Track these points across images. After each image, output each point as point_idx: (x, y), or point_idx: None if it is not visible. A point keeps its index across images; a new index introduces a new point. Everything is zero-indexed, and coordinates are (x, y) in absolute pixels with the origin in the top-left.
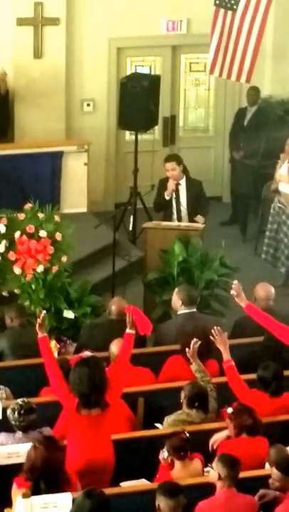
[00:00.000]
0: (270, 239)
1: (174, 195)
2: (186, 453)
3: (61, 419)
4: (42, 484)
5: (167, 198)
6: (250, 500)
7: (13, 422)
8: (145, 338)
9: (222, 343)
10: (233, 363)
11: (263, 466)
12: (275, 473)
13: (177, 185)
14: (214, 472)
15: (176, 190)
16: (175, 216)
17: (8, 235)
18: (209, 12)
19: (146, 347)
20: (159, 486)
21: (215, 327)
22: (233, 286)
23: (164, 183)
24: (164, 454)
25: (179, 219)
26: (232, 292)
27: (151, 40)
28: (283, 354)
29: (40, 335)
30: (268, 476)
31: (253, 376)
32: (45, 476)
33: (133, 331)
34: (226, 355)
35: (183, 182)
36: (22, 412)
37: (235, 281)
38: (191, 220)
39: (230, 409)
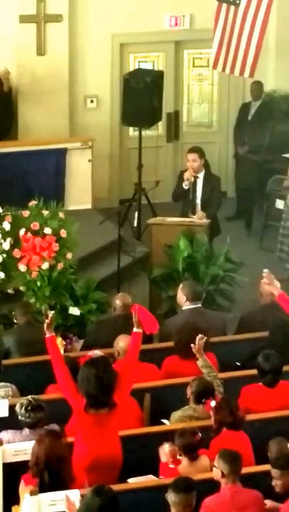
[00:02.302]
0: (284, 237)
1: (192, 188)
2: (197, 454)
3: (73, 419)
4: (46, 475)
5: (185, 187)
6: (255, 495)
7: (20, 418)
8: (151, 335)
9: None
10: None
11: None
12: (274, 471)
13: (195, 177)
14: (217, 470)
15: (194, 183)
16: (190, 208)
17: (13, 233)
18: (212, 7)
19: (152, 343)
20: (172, 482)
21: (264, 272)
22: (264, 274)
23: (183, 174)
24: (164, 449)
25: (193, 211)
26: (263, 280)
27: (154, 35)
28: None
29: (48, 334)
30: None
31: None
32: (49, 467)
33: (140, 330)
34: (276, 291)
35: (201, 176)
36: (29, 408)
37: (266, 270)
38: (208, 216)
39: (213, 403)
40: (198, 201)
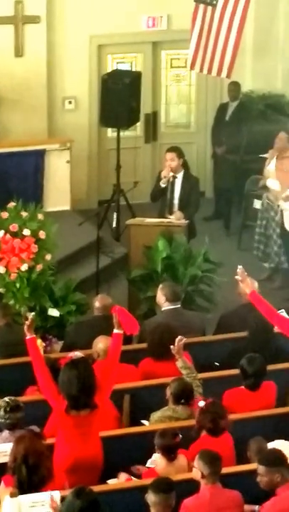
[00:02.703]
0: (260, 235)
1: (170, 188)
2: (176, 454)
3: (52, 420)
4: (23, 470)
5: (162, 185)
6: (235, 496)
7: (1, 420)
8: (131, 335)
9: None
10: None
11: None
12: (260, 468)
13: (174, 177)
14: (197, 470)
15: (172, 183)
16: (167, 208)
17: None
18: (189, 8)
19: (131, 344)
20: (152, 482)
21: (238, 269)
22: (238, 271)
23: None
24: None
25: (170, 211)
26: (237, 277)
27: (132, 36)
28: (269, 349)
29: (28, 336)
30: (252, 471)
31: (238, 371)
32: (27, 461)
33: (121, 331)
34: (248, 289)
35: (180, 176)
36: (8, 409)
37: (240, 267)
38: (186, 216)
39: (201, 403)
40: (176, 201)
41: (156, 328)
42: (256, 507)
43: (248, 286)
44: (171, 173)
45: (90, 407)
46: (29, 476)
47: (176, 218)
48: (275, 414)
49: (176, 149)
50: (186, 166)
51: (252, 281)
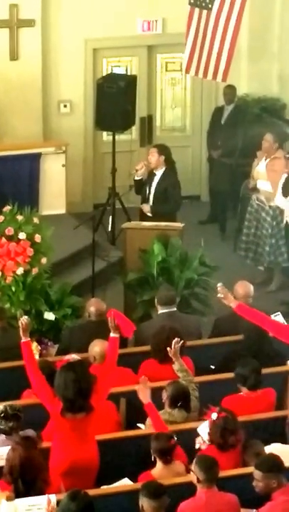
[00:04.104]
0: (249, 237)
1: (148, 183)
2: (172, 457)
3: (50, 424)
4: (20, 484)
5: (137, 178)
6: (231, 499)
7: (1, 427)
8: (126, 339)
9: (226, 296)
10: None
11: None
12: (256, 473)
13: (152, 173)
14: (193, 475)
15: (151, 179)
16: (144, 202)
17: None
18: (184, 11)
19: (127, 347)
20: (142, 486)
21: (218, 285)
22: (218, 288)
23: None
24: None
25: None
26: (218, 295)
27: (127, 40)
28: (264, 352)
29: (23, 339)
30: (249, 475)
31: (233, 375)
32: (24, 476)
33: (117, 335)
34: (233, 303)
35: (159, 173)
36: (5, 416)
37: (220, 284)
38: (153, 210)
39: (214, 415)
40: (151, 196)
41: (162, 330)
42: (253, 511)
43: (231, 301)
44: (147, 165)
45: (86, 410)
46: (26, 489)
47: (145, 211)
48: (271, 417)
49: (158, 146)
50: (170, 164)
51: (246, 286)
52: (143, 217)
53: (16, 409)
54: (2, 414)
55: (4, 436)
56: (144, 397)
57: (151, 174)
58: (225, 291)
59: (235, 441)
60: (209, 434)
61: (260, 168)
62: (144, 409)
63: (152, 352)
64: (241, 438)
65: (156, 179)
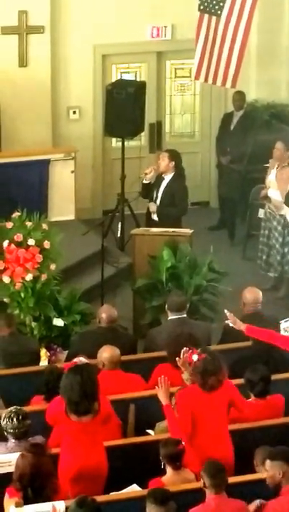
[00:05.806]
0: (263, 245)
1: (156, 187)
2: (181, 463)
3: (56, 431)
4: (29, 492)
5: (145, 181)
6: (240, 505)
7: (10, 431)
8: (136, 345)
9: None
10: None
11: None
12: (274, 465)
13: (160, 177)
14: (202, 481)
15: (159, 183)
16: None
17: None
18: (194, 18)
19: (136, 353)
20: (148, 493)
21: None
22: (227, 315)
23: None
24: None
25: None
26: (228, 322)
27: (136, 46)
28: (272, 358)
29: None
30: (259, 481)
31: (242, 381)
32: (33, 484)
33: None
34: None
35: (168, 178)
36: (20, 418)
37: (226, 311)
38: (159, 211)
39: (195, 357)
40: (158, 200)
41: (179, 336)
42: (258, 501)
43: (240, 326)
44: (156, 170)
45: (92, 413)
46: (35, 496)
47: (151, 210)
48: (280, 423)
49: (170, 151)
50: (179, 170)
51: (255, 292)
52: (149, 220)
53: (24, 411)
54: (15, 418)
55: (13, 442)
56: (164, 397)
57: (159, 178)
58: (233, 318)
59: (217, 382)
60: (190, 374)
61: (270, 176)
62: (163, 409)
63: (169, 356)
64: (224, 379)
65: (164, 183)
